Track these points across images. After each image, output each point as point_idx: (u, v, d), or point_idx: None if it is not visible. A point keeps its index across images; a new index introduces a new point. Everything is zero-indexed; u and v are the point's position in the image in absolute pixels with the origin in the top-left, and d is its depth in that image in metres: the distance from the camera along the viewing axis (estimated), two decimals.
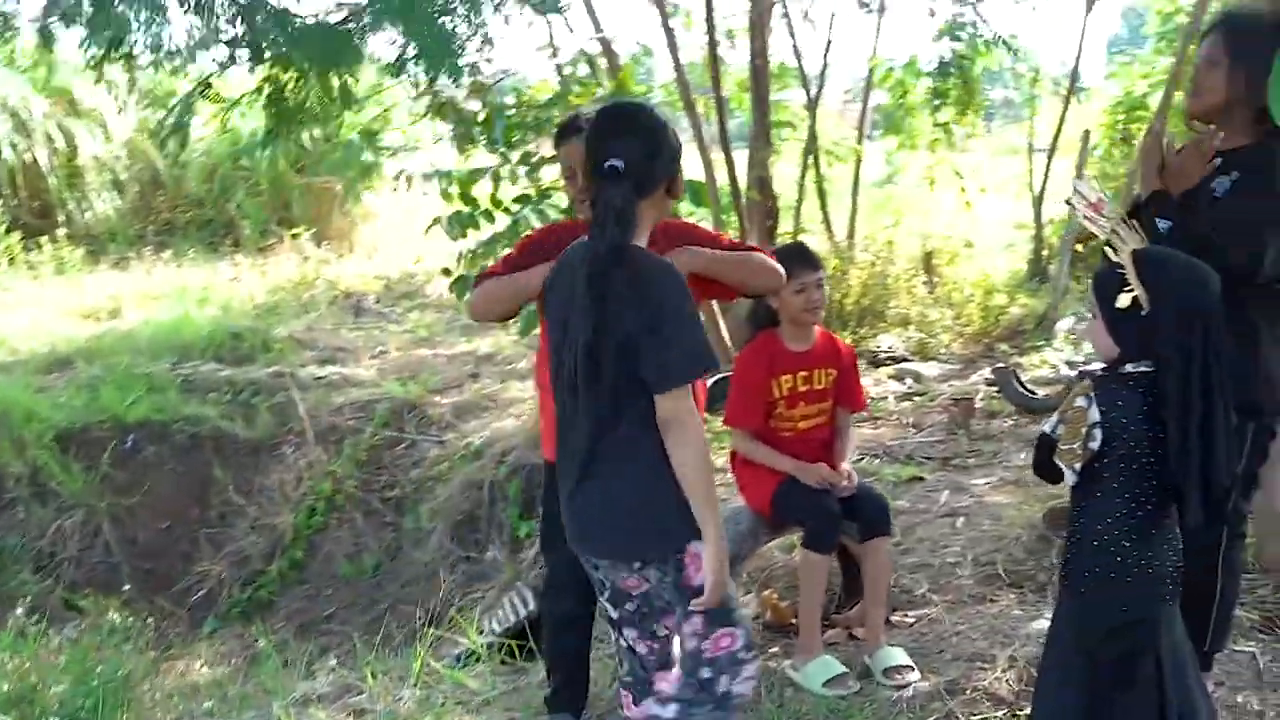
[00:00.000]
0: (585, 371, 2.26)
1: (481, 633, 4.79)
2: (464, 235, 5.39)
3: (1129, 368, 2.35)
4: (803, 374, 3.63)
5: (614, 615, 2.51)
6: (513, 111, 5.85)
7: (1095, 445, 2.31)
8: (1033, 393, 6.42)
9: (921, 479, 5.30)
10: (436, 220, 5.43)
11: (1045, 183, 10.11)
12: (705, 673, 2.39)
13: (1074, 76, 9.93)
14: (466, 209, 5.43)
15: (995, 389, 6.67)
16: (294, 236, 12.09)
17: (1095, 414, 2.31)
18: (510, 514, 6.02)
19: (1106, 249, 2.42)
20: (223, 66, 2.91)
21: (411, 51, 3.04)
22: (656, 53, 9.74)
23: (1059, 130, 9.84)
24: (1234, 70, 2.79)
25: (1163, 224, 2.78)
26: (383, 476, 6.80)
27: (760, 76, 6.91)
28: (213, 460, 6.99)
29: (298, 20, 2.96)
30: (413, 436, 6.92)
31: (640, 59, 9.68)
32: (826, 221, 10.31)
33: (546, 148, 5.58)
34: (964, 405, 6.10)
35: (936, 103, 10.01)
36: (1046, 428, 2.42)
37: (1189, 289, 2.31)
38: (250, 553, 6.58)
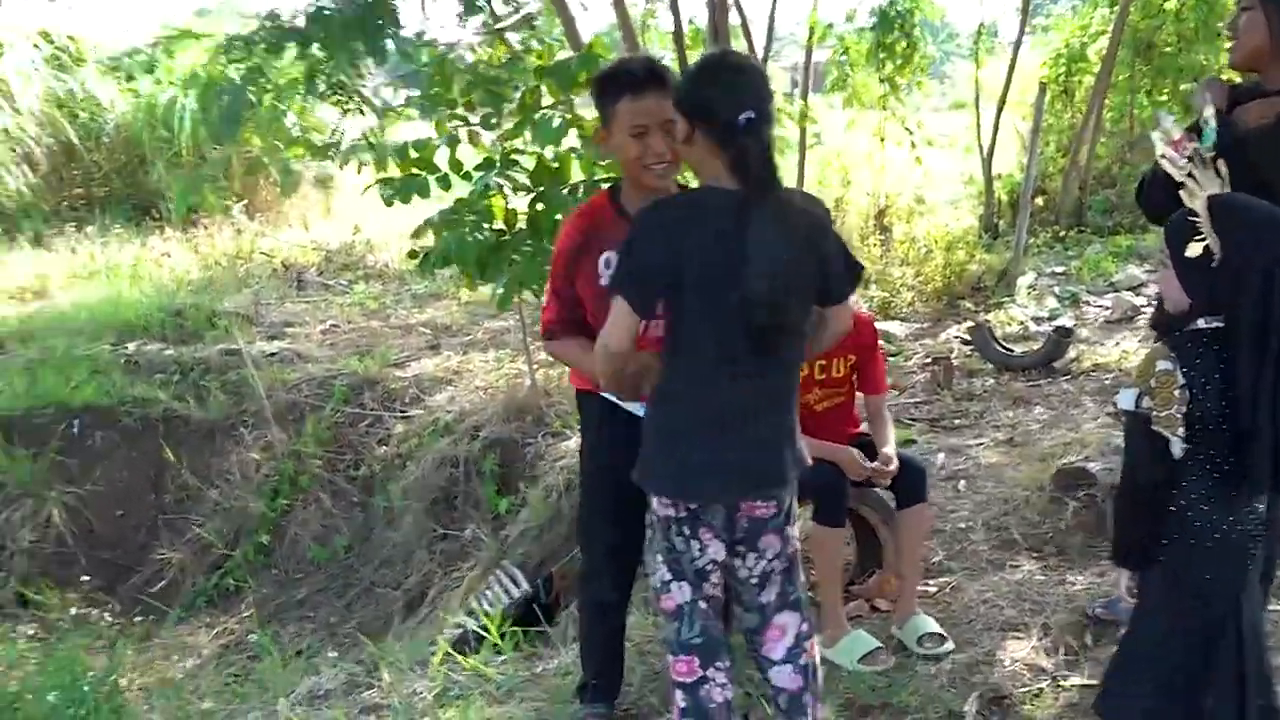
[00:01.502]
0: (781, 318, 2.34)
1: (472, 614, 4.64)
2: (408, 200, 5.21)
3: (1201, 323, 2.27)
4: (820, 363, 3.53)
5: (734, 557, 2.56)
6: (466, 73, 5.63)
7: (1184, 408, 2.23)
8: (1010, 350, 6.40)
9: (913, 441, 5.24)
10: (380, 182, 5.22)
11: (995, 137, 10.11)
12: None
13: (1020, 32, 9.91)
14: (419, 174, 5.25)
15: (971, 347, 6.65)
16: (225, 210, 11.66)
17: (1180, 375, 2.23)
18: (487, 490, 5.84)
19: (1181, 193, 2.32)
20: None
21: None
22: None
23: (1007, 84, 9.84)
24: (1270, 13, 2.72)
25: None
26: (348, 455, 6.56)
27: (720, 32, 6.70)
28: (166, 444, 6.66)
29: None
30: (377, 412, 6.67)
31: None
32: None
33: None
34: (945, 365, 6.05)
35: (882, 56, 9.97)
36: (1125, 403, 2.32)
37: (1265, 236, 2.22)
38: (212, 539, 6.30)
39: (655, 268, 2.33)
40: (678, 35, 6.55)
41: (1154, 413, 2.24)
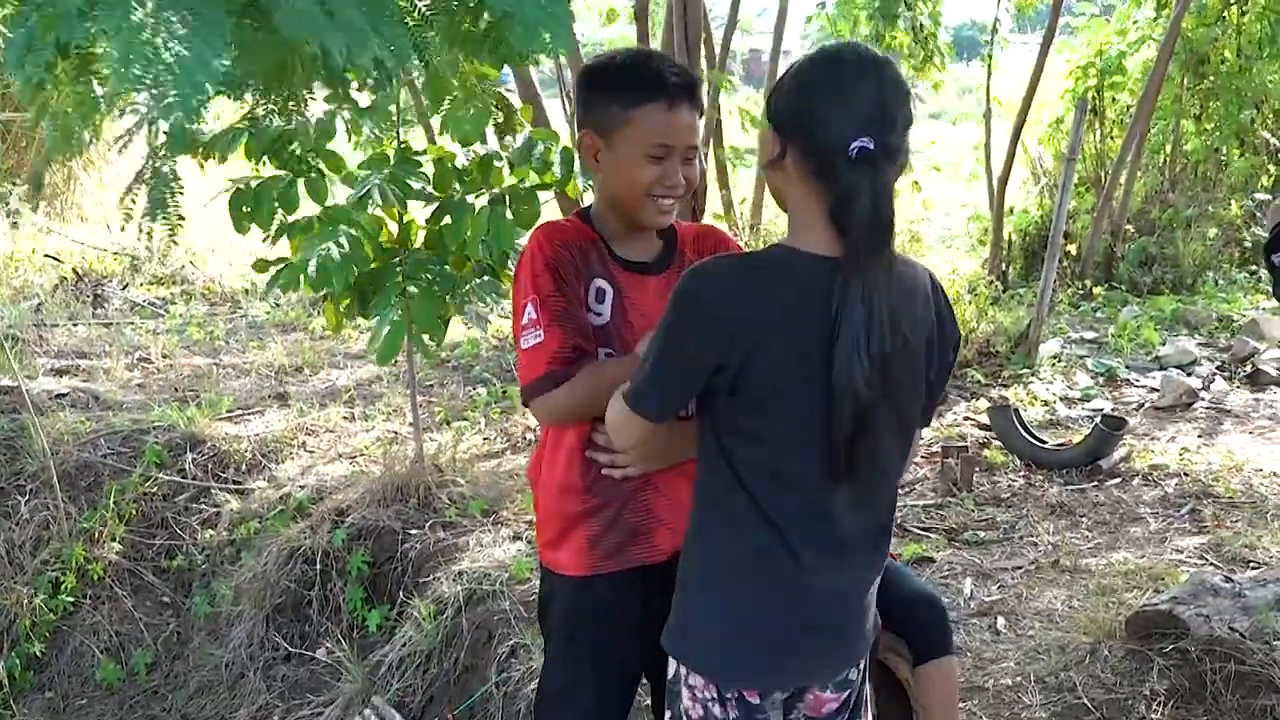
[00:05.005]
0: (873, 428, 2.11)
1: None
2: (266, 224, 4.95)
3: None
4: None
5: None
6: None
7: None
8: (1042, 441, 6.26)
9: (930, 559, 5.04)
10: (237, 205, 4.96)
11: (1009, 164, 10.10)
12: None
13: (1050, 33, 9.89)
14: (284, 174, 4.98)
15: (990, 434, 6.50)
16: None
17: None
18: (351, 596, 5.48)
19: None
20: None
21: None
22: None
23: (1029, 97, 9.83)
24: None
25: None
26: (159, 539, 6.15)
27: (689, 5, 6.53)
28: None
29: None
30: (202, 483, 6.28)
31: None
32: (729, 205, 10.10)
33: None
34: (963, 458, 5.87)
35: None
36: None
37: None
38: None
39: (703, 363, 2.10)
40: (641, 10, 6.38)
41: None
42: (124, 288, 9.78)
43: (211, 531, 6.07)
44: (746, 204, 10.58)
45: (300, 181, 4.96)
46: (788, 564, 2.17)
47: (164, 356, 8.00)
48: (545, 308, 2.48)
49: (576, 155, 4.65)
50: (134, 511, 6.22)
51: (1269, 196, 10.42)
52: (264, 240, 5.13)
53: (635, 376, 2.19)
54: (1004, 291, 9.75)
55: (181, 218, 4.31)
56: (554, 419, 2.53)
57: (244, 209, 4.88)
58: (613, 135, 2.48)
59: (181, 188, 4.34)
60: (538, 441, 2.81)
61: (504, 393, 7.28)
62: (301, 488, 6.06)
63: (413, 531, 5.54)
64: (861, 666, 2.37)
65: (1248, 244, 10.71)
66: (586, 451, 2.56)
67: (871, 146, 2.02)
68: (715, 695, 2.24)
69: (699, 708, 2.25)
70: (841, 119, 2.05)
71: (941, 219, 12.49)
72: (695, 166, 2.54)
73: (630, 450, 2.47)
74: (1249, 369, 7.77)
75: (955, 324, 2.30)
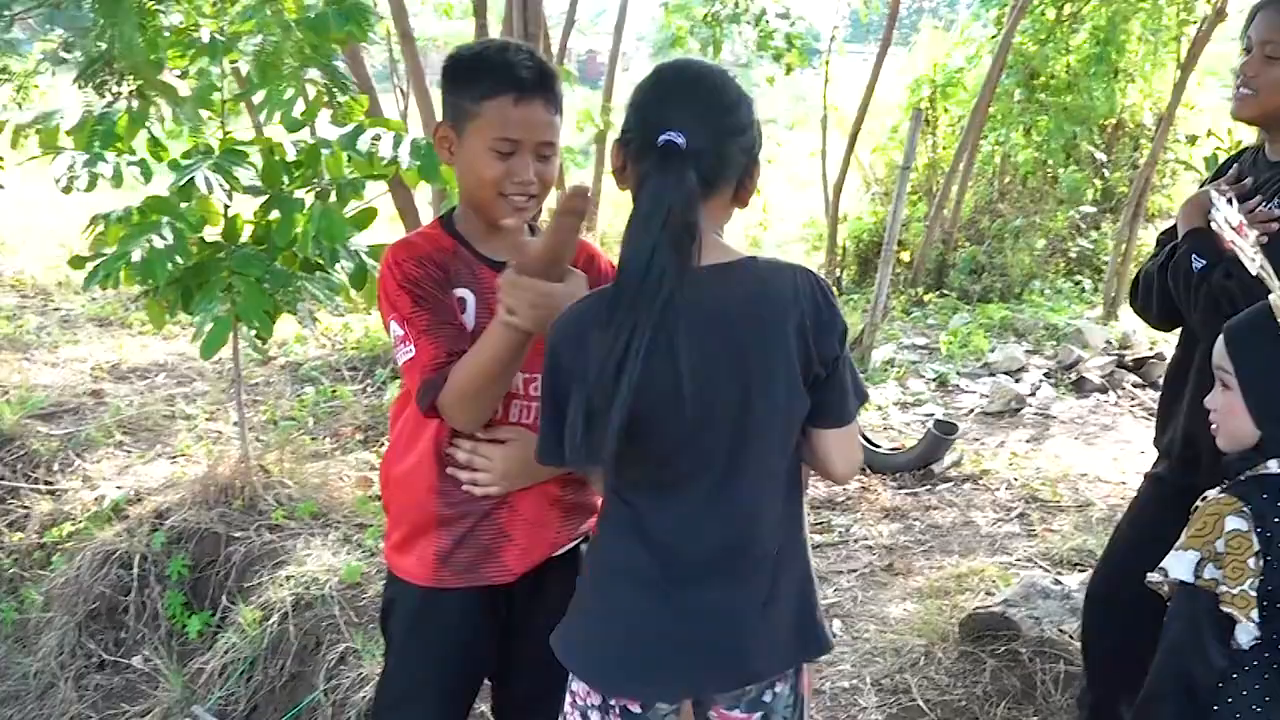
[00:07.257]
0: (750, 439, 2.09)
1: None
2: (92, 186, 4.81)
3: (1274, 466, 2.17)
4: None
5: None
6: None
7: (1257, 582, 2.11)
8: (875, 445, 6.37)
9: None
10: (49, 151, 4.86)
11: (844, 172, 10.27)
12: None
13: (884, 45, 10.09)
14: (111, 154, 4.87)
15: None
16: None
17: (1255, 539, 2.11)
18: (170, 602, 5.32)
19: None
20: None
21: None
22: None
23: (864, 107, 10.02)
24: None
25: (1198, 263, 2.71)
26: None
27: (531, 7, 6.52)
28: None
29: None
30: (11, 483, 6.07)
31: None
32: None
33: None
34: None
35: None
36: (1181, 572, 2.17)
37: None
38: None
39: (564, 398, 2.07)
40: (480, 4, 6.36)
41: (1222, 588, 2.10)
42: None
43: (20, 534, 5.85)
44: None
45: (125, 160, 4.87)
46: (658, 576, 2.15)
47: None
48: (410, 324, 2.44)
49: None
50: None
51: (1094, 209, 10.78)
52: (82, 233, 5.00)
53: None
54: (839, 297, 9.91)
55: None
56: (454, 421, 2.46)
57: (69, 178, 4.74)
58: (464, 128, 2.43)
59: None
60: (389, 436, 2.75)
61: (333, 392, 7.15)
62: (118, 488, 5.87)
63: (237, 534, 5.39)
64: (780, 689, 2.28)
65: (1073, 254, 11.06)
66: (446, 469, 2.51)
67: (680, 142, 1.99)
68: (598, 703, 2.23)
69: (577, 714, 2.25)
70: (656, 119, 2.03)
71: (778, 224, 12.66)
72: (553, 164, 2.47)
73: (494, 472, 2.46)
74: (1074, 376, 8.01)
75: (835, 314, 2.14)
